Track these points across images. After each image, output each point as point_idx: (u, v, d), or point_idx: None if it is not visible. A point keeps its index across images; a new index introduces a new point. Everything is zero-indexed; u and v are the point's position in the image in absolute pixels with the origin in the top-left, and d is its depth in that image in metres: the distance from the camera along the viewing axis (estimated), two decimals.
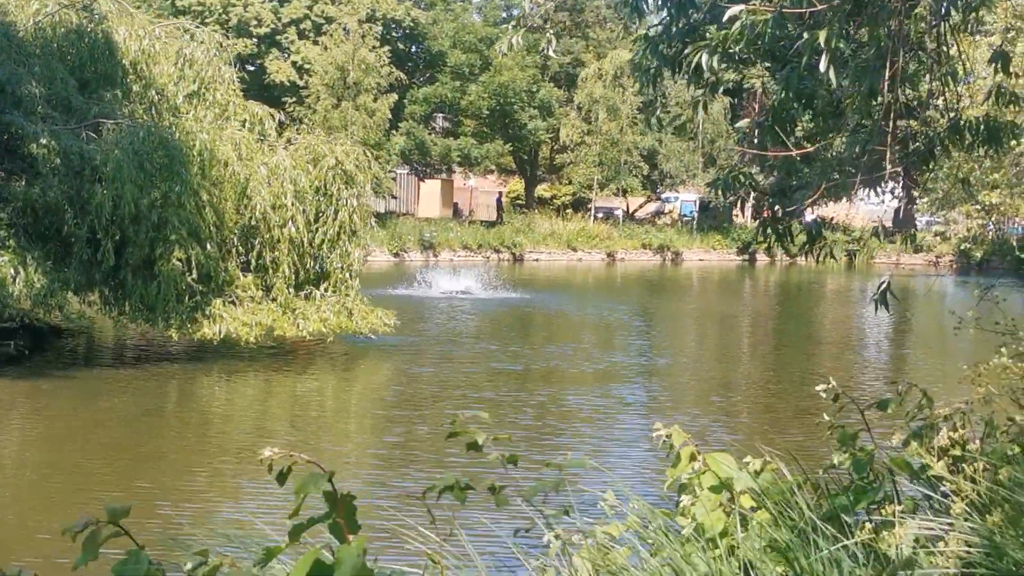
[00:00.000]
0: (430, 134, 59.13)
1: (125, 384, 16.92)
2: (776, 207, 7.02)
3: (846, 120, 6.53)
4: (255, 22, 55.37)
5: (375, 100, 51.36)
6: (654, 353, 22.77)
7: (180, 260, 17.80)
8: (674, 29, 5.89)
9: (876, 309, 6.55)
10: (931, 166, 6.92)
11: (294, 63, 55.24)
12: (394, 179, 59.51)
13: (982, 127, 6.67)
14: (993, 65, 6.75)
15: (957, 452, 4.81)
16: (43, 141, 17.35)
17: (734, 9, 4.91)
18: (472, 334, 24.35)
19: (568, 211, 64.07)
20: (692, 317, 31.59)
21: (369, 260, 48.81)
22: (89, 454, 12.50)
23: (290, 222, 19.39)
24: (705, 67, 5.01)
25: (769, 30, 4.64)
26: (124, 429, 13.91)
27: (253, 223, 19.22)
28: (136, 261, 17.85)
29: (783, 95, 5.83)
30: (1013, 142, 6.91)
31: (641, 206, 69.21)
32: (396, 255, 49.76)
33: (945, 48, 6.96)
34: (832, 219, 8.06)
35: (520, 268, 50.05)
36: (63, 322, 19.67)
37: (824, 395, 4.64)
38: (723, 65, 5.33)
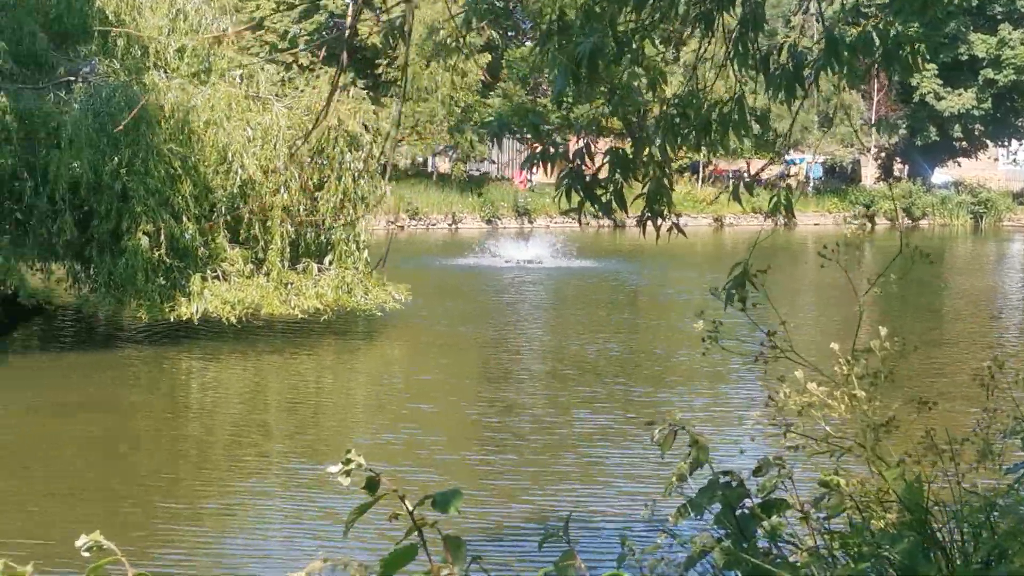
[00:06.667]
0: (528, 96, 56.35)
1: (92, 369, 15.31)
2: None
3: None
4: None
5: (466, 60, 49.07)
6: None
7: (148, 234, 15.91)
8: None
9: (725, 306, 4.20)
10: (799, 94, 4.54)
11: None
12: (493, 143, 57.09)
13: (876, 43, 4.23)
14: None
15: None
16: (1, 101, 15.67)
17: None
18: (499, 311, 22.06)
19: (687, 175, 60.55)
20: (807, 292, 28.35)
21: (459, 227, 46.88)
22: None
23: (283, 188, 17.34)
24: None
25: None
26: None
27: (241, 190, 17.23)
28: (102, 235, 16.06)
29: None
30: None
31: (763, 168, 64.94)
32: (488, 222, 47.69)
33: None
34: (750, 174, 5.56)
35: (619, 235, 47.20)
36: (45, 299, 18.06)
37: None
38: None
